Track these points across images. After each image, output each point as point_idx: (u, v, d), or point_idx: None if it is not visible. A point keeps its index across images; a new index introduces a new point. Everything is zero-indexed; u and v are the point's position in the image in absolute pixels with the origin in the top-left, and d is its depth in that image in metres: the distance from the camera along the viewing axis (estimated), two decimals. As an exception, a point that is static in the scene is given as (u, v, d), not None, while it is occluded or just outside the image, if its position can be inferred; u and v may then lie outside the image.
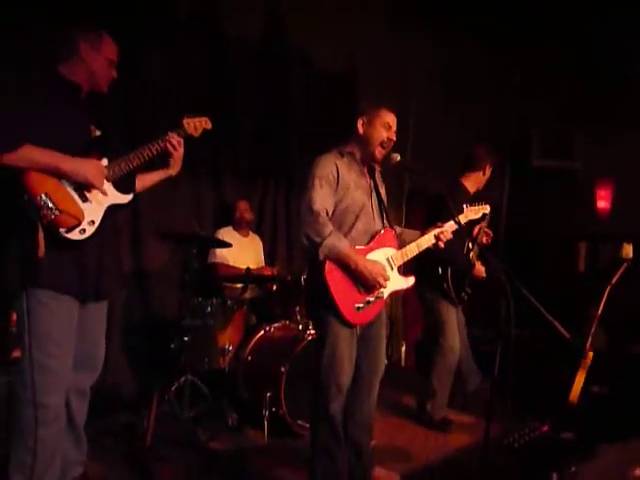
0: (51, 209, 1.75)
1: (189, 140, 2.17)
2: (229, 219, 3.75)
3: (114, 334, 3.29)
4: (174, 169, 2.15)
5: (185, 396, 2.88)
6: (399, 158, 2.29)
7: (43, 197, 1.75)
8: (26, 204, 1.74)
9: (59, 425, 1.93)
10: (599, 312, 3.20)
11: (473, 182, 3.19)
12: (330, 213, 2.18)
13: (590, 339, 3.14)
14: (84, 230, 1.84)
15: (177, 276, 3.58)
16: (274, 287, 3.45)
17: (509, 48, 4.82)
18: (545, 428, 2.90)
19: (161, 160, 2.11)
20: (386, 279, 2.17)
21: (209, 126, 2.19)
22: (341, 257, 2.10)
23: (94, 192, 1.90)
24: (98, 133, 2.02)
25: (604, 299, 3.22)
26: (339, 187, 2.20)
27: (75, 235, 1.82)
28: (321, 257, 2.09)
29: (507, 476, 2.43)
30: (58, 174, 1.81)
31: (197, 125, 2.15)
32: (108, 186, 1.94)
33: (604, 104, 4.76)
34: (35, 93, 1.84)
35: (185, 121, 2.12)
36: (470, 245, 3.13)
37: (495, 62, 4.86)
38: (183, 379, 2.92)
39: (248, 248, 3.76)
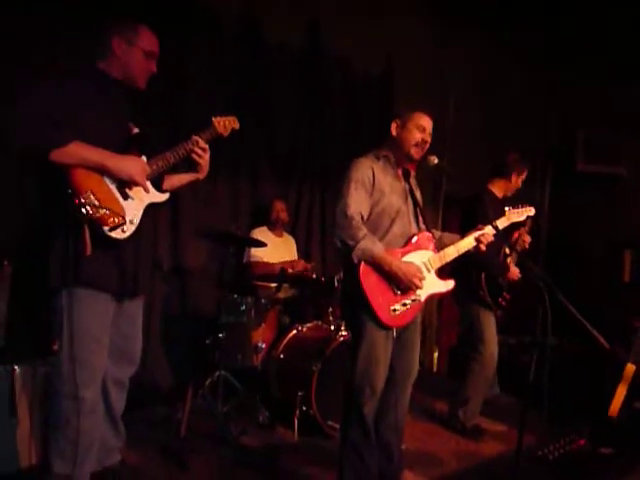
0: (96, 207, 1.74)
1: (229, 140, 2.18)
2: (265, 219, 3.81)
3: (153, 328, 3.41)
4: (202, 174, 2.14)
5: (219, 391, 2.94)
6: (436, 161, 2.28)
7: (89, 194, 1.75)
8: (71, 201, 1.73)
9: (95, 417, 1.98)
10: (644, 324, 3.09)
11: (499, 188, 3.19)
12: (365, 217, 2.19)
13: (634, 352, 3.03)
14: (125, 229, 1.84)
15: (214, 274, 3.67)
16: (308, 287, 3.49)
17: (553, 47, 4.70)
18: (582, 441, 2.81)
19: (191, 161, 2.11)
20: (421, 279, 2.16)
21: (237, 125, 2.18)
22: (375, 260, 2.10)
23: (134, 190, 1.90)
24: (136, 130, 2.02)
25: (649, 310, 3.10)
26: (375, 190, 2.21)
27: (117, 234, 1.82)
28: (355, 260, 2.10)
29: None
30: (103, 171, 1.81)
31: (226, 124, 2.14)
32: (147, 184, 1.95)
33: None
34: (79, 89, 1.85)
35: (215, 120, 2.11)
36: (508, 251, 3.07)
37: (538, 62, 4.74)
38: (217, 374, 2.99)
39: (282, 248, 3.81)
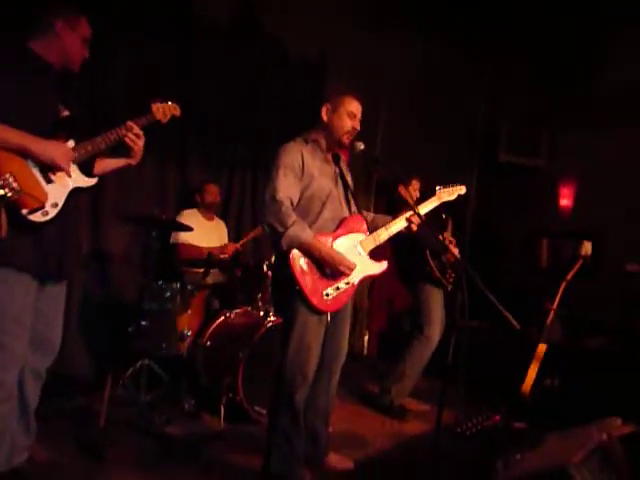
0: (14, 190, 1.72)
1: (156, 123, 2.12)
2: (193, 202, 3.69)
3: (72, 315, 3.23)
4: (134, 159, 2.12)
5: (142, 380, 2.84)
6: (363, 147, 2.28)
7: (7, 177, 1.72)
8: None
9: (11, 404, 1.91)
10: (554, 306, 3.31)
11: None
12: (295, 202, 2.17)
13: (544, 332, 3.24)
14: (47, 212, 1.83)
15: (137, 259, 3.52)
16: (237, 272, 3.42)
17: (481, 46, 4.87)
18: (497, 417, 2.99)
19: (124, 146, 2.07)
20: (350, 267, 2.16)
21: (178, 112, 2.18)
22: (304, 247, 2.09)
23: (59, 174, 1.88)
24: (66, 113, 1.99)
25: (560, 293, 3.33)
26: (304, 175, 2.18)
27: (37, 217, 1.80)
28: (284, 247, 2.07)
29: (458, 463, 2.49)
30: (25, 154, 1.78)
31: (166, 111, 2.14)
32: (74, 168, 1.92)
33: (571, 104, 4.87)
34: (5, 70, 1.81)
35: (154, 106, 2.11)
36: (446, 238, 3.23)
37: (467, 59, 4.90)
38: (139, 363, 2.88)
39: (212, 232, 3.71)
